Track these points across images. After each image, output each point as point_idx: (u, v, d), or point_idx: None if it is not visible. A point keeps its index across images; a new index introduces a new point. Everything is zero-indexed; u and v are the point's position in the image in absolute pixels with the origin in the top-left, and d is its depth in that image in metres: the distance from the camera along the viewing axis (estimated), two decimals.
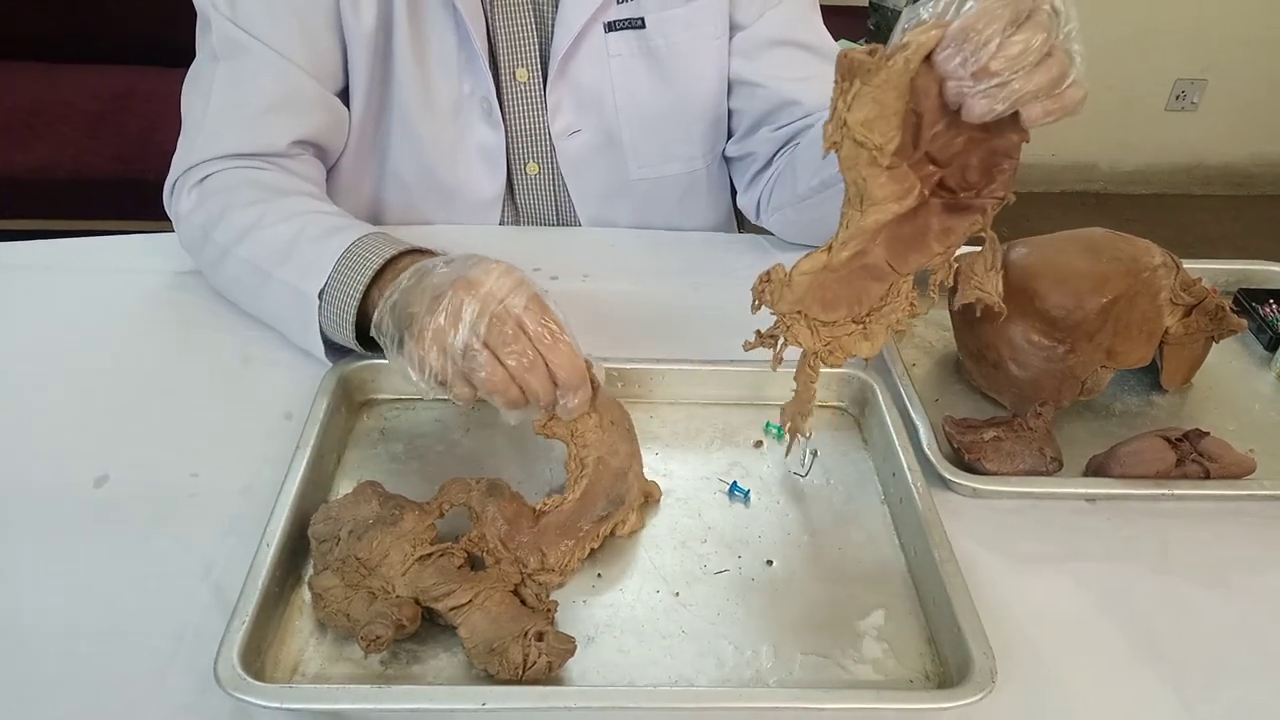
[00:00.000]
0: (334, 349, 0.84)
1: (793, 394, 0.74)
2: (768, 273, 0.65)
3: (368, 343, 0.81)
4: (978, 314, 0.71)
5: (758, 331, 0.70)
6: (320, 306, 0.82)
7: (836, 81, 0.60)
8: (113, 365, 0.87)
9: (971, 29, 0.58)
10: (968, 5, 0.60)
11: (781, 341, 0.69)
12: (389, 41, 0.98)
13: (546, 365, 0.68)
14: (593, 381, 0.71)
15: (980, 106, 0.60)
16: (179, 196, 0.95)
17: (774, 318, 0.68)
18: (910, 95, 0.60)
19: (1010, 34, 0.58)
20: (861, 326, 0.70)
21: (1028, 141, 0.63)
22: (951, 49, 0.59)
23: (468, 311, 0.67)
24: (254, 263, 0.87)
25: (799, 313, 0.67)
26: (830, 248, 0.65)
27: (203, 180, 0.93)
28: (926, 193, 0.65)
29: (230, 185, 0.92)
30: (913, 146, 0.63)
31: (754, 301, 0.67)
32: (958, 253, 0.68)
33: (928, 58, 0.59)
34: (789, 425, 0.77)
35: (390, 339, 0.72)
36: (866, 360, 0.72)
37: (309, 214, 0.89)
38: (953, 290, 0.74)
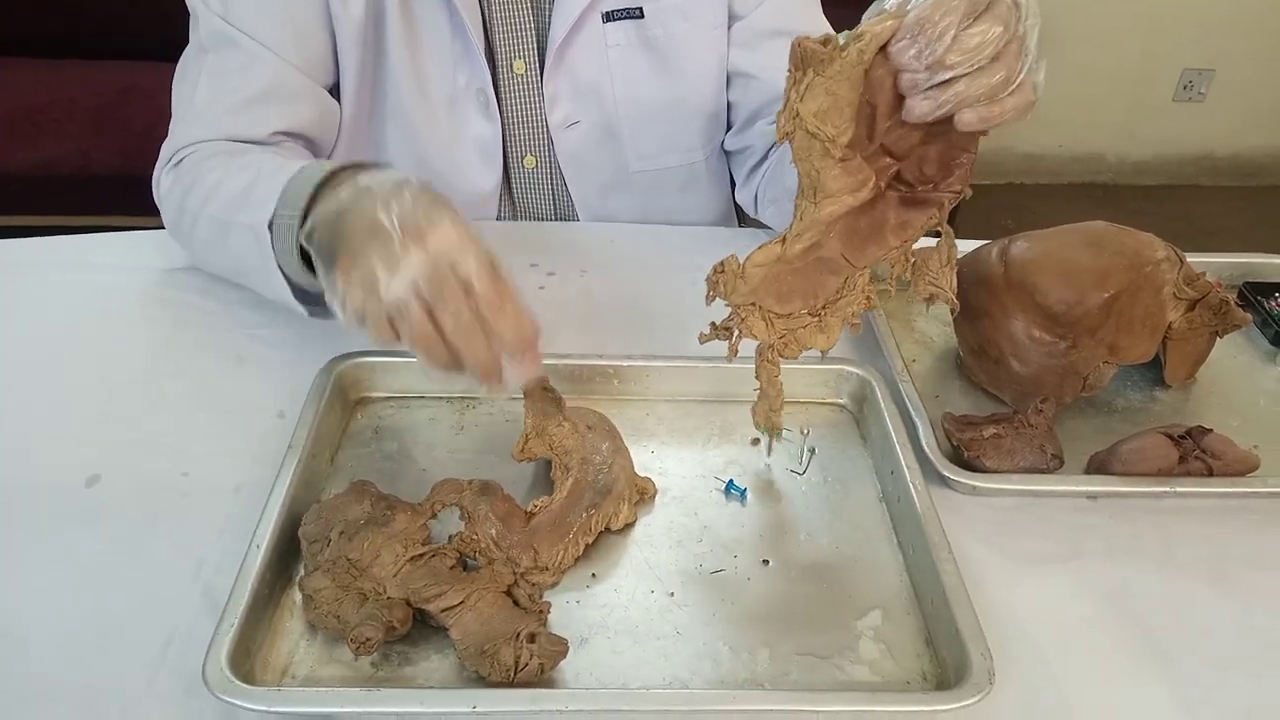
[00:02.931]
0: (307, 299, 0.82)
1: (758, 392, 0.74)
2: (722, 263, 0.65)
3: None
4: (927, 310, 0.71)
5: (712, 323, 0.69)
6: (272, 240, 0.78)
7: (790, 70, 0.59)
8: (104, 364, 0.86)
9: (927, 20, 0.57)
10: None
11: (736, 334, 0.68)
12: (380, 33, 0.97)
13: (489, 333, 0.63)
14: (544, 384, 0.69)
15: (921, 108, 0.59)
16: (160, 182, 0.95)
17: (729, 309, 0.67)
18: (865, 87, 0.60)
19: (966, 25, 0.58)
20: (817, 319, 0.69)
21: (985, 136, 0.63)
22: (906, 40, 0.58)
23: (409, 264, 0.62)
24: (218, 216, 0.85)
25: (754, 304, 0.66)
26: (784, 239, 0.64)
27: (180, 162, 0.93)
28: (882, 185, 0.65)
29: (202, 157, 0.92)
30: (868, 139, 0.62)
31: (708, 292, 0.66)
32: (916, 246, 0.68)
33: (883, 49, 0.58)
34: (763, 424, 0.76)
35: (321, 255, 0.69)
36: (823, 352, 0.71)
37: (267, 160, 0.87)
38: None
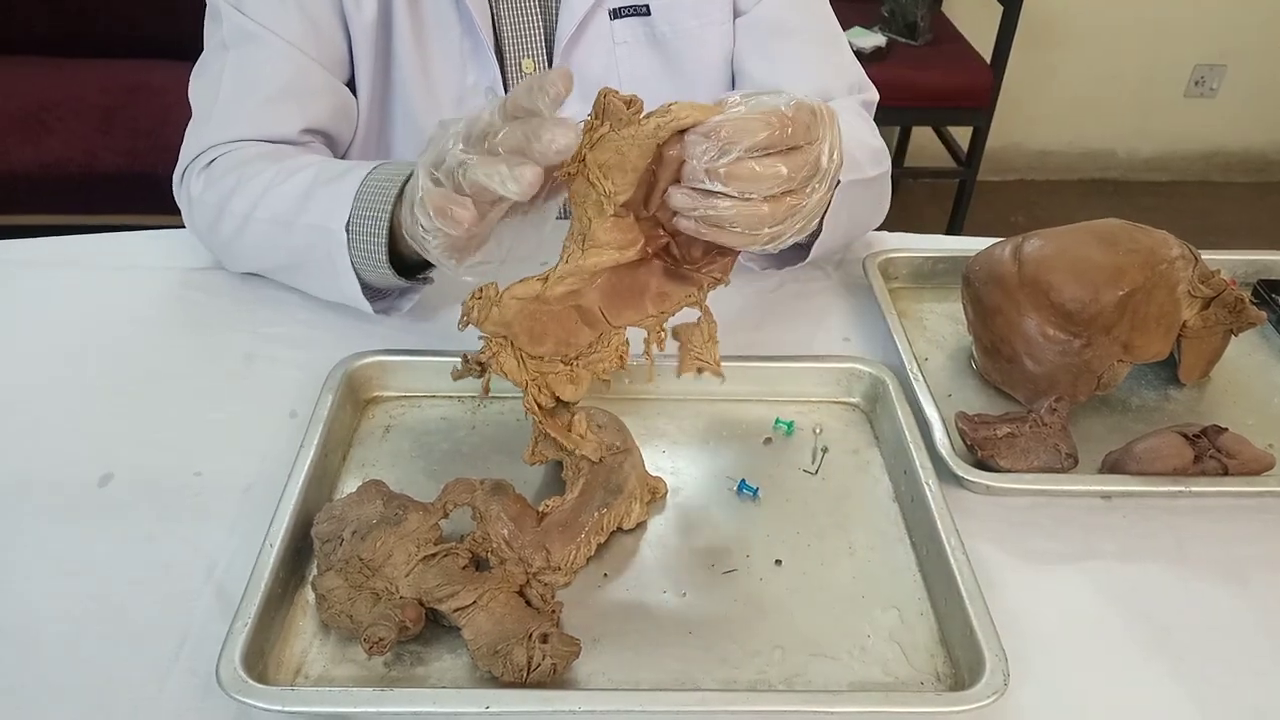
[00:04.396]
0: (376, 296, 0.85)
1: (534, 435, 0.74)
2: (481, 289, 0.65)
3: (406, 272, 0.83)
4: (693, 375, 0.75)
5: (464, 355, 0.69)
6: (349, 241, 0.81)
7: (589, 116, 0.60)
8: (116, 363, 0.86)
9: (725, 129, 0.58)
10: (754, 102, 0.60)
11: (488, 373, 0.69)
12: (389, 31, 0.97)
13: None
14: None
15: (680, 201, 0.61)
16: (189, 182, 0.95)
17: (482, 343, 0.67)
18: (655, 159, 0.60)
19: (758, 154, 0.58)
20: (569, 369, 0.70)
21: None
22: (697, 138, 0.58)
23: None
24: (274, 219, 0.87)
25: (505, 339, 0.66)
26: (546, 278, 0.64)
27: (212, 163, 0.94)
28: (650, 251, 0.66)
29: (241, 160, 0.92)
30: (644, 206, 0.63)
31: (461, 318, 0.66)
32: (676, 320, 0.69)
33: (683, 131, 0.59)
34: (550, 457, 0.75)
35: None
36: (570, 404, 0.72)
37: (321, 163, 0.89)
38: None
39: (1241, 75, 3.11)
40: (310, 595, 0.66)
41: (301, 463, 0.72)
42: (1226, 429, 0.78)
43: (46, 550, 0.70)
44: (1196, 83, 3.13)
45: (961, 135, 2.70)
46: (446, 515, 0.68)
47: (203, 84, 0.98)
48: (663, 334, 0.70)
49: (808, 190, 0.61)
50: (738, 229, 0.60)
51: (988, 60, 2.55)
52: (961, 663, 0.64)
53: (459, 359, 0.70)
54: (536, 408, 0.70)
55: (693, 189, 0.60)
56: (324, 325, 0.91)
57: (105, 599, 0.66)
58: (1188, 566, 0.73)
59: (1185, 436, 0.77)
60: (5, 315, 0.92)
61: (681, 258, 0.66)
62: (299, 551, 0.68)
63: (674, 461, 0.79)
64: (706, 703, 0.60)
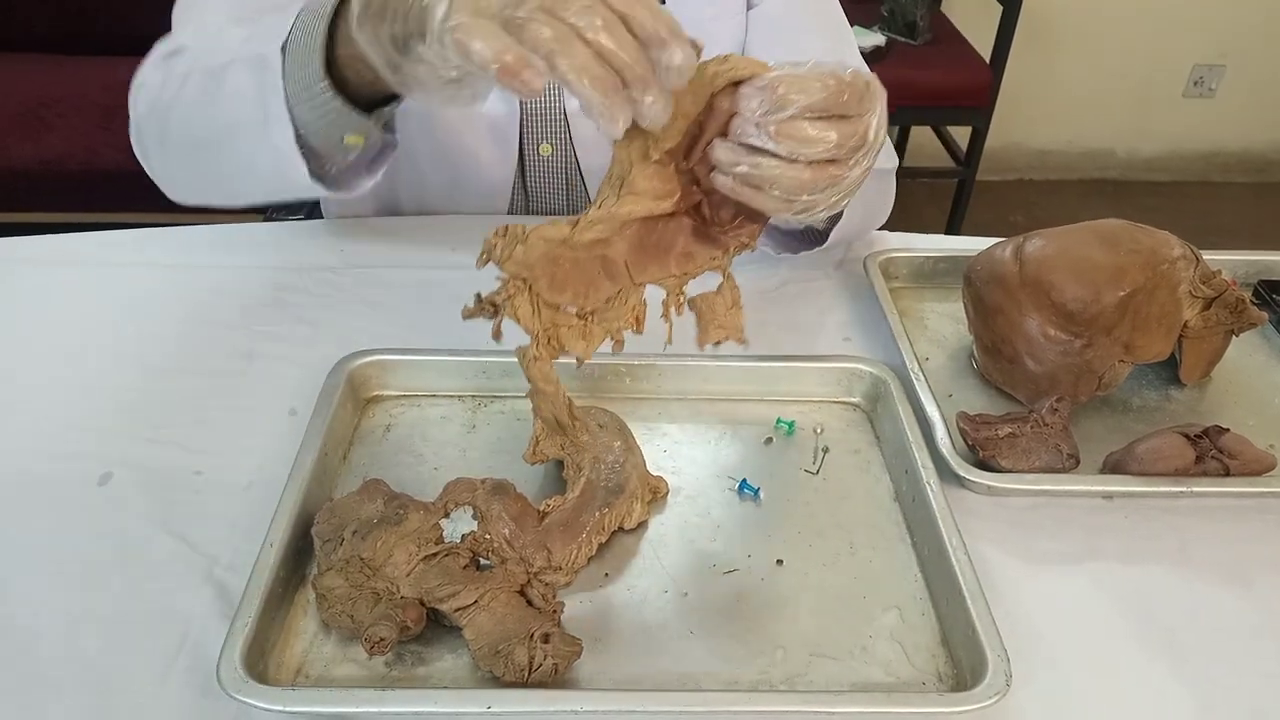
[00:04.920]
0: (309, 157, 0.76)
1: (530, 394, 0.70)
2: (505, 227, 0.62)
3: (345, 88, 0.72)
4: (708, 347, 0.72)
5: (478, 295, 0.65)
6: (283, 68, 0.72)
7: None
8: (116, 361, 0.86)
9: (783, 84, 0.57)
10: (811, 65, 0.59)
11: (500, 315, 0.65)
12: None
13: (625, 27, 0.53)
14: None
15: (724, 155, 0.59)
16: (143, 73, 0.88)
17: (498, 283, 0.64)
18: (706, 109, 0.60)
19: (811, 116, 0.57)
20: (583, 323, 0.68)
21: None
22: (754, 90, 0.58)
23: None
24: (211, 66, 0.78)
25: (524, 281, 0.64)
26: (577, 222, 0.62)
27: (176, 53, 0.86)
28: (684, 208, 0.65)
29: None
30: (684, 157, 0.62)
31: (481, 254, 0.62)
32: (696, 294, 0.68)
33: (738, 83, 0.58)
34: (548, 425, 0.72)
35: (390, 38, 0.60)
36: (578, 363, 0.68)
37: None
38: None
39: (1240, 75, 3.11)
40: (311, 595, 0.65)
41: (302, 461, 0.72)
42: (1228, 429, 0.78)
43: (46, 549, 0.69)
44: (1195, 83, 3.13)
45: (961, 135, 2.70)
46: (447, 514, 0.68)
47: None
48: (681, 298, 0.68)
49: (850, 163, 0.60)
50: (776, 192, 0.59)
51: (987, 60, 2.55)
52: (963, 663, 0.64)
53: (472, 296, 0.65)
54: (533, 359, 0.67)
55: (738, 144, 0.59)
56: (325, 324, 0.90)
57: (105, 597, 0.66)
58: (1190, 567, 0.73)
59: (1187, 437, 0.77)
60: (5, 313, 0.92)
61: (711, 218, 0.65)
62: (299, 551, 0.68)
63: (675, 461, 0.79)
64: (708, 703, 0.60)
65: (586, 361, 0.68)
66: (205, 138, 0.84)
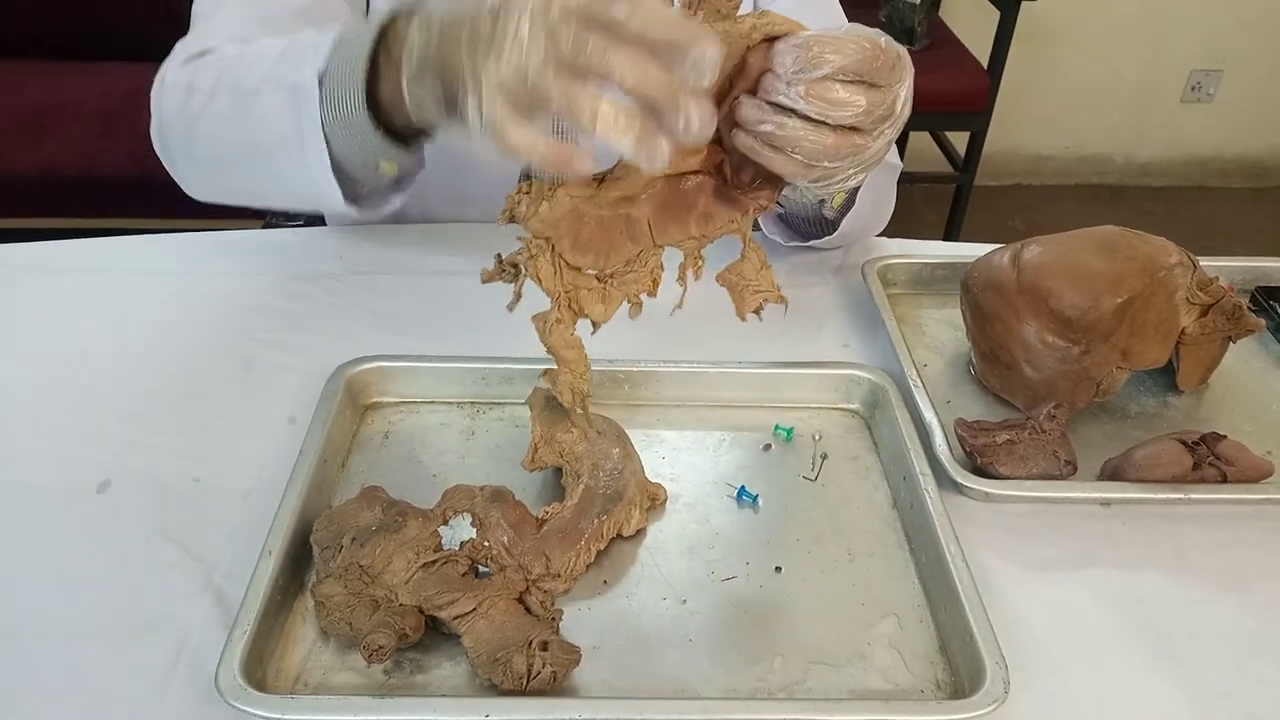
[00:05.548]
0: (347, 181, 0.75)
1: (555, 367, 0.69)
2: (529, 181, 0.60)
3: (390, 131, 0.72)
4: (751, 318, 0.70)
5: (498, 256, 0.64)
6: (321, 98, 0.70)
7: (683, 6, 0.58)
8: (115, 368, 0.86)
9: (818, 44, 0.57)
10: (845, 28, 0.59)
11: (523, 274, 0.64)
12: None
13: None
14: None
15: (749, 112, 0.59)
16: (165, 72, 0.86)
17: (519, 244, 0.63)
18: (738, 62, 0.59)
19: (845, 79, 0.57)
20: (602, 286, 0.67)
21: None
22: (789, 47, 0.57)
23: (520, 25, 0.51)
24: (241, 84, 0.77)
25: (547, 240, 0.62)
26: (603, 179, 0.62)
27: (202, 54, 0.85)
28: (708, 166, 0.65)
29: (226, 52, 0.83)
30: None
31: (504, 210, 0.61)
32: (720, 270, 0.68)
33: (773, 40, 0.58)
34: (569, 397, 0.69)
35: (432, 68, 0.58)
36: (594, 327, 0.67)
37: (304, 32, 0.78)
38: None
39: (1238, 81, 3.12)
40: (309, 602, 0.65)
41: (301, 469, 0.72)
42: (1225, 436, 0.78)
43: (45, 556, 0.69)
44: (1193, 88, 3.14)
45: (959, 140, 2.70)
46: (446, 522, 0.68)
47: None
48: (700, 261, 0.68)
49: (875, 133, 0.60)
50: (797, 155, 0.59)
51: (985, 65, 2.56)
52: (962, 670, 0.64)
53: (494, 257, 0.64)
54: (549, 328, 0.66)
55: (765, 102, 0.58)
56: (324, 331, 0.90)
57: (104, 605, 0.66)
58: (1187, 573, 0.73)
59: (1184, 443, 0.77)
60: (4, 319, 0.92)
61: (731, 181, 0.65)
62: (298, 558, 0.68)
63: (674, 468, 0.79)
64: (707, 711, 0.60)
65: (602, 325, 0.67)
66: (234, 154, 0.83)
